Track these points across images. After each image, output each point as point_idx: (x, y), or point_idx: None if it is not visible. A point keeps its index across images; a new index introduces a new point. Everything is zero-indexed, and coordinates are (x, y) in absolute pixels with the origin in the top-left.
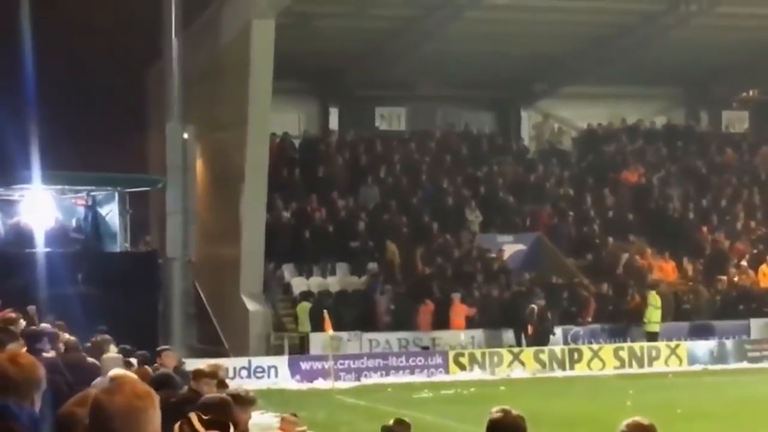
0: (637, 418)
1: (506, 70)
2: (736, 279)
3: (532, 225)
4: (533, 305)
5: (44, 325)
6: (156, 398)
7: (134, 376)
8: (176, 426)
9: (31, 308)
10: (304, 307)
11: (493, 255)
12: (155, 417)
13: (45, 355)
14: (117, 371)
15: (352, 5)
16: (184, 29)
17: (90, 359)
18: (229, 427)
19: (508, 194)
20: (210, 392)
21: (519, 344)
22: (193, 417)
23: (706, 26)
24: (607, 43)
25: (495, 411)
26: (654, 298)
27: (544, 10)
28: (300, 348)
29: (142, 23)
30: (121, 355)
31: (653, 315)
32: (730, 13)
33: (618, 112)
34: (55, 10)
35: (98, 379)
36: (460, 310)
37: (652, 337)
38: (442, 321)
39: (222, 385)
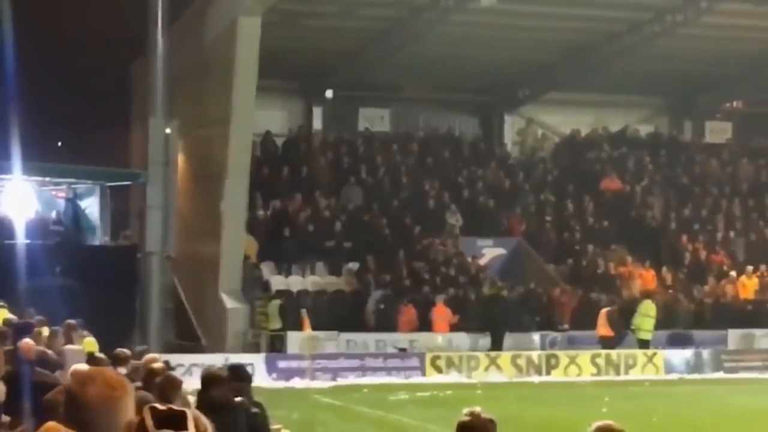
0: (609, 422)
1: (491, 74)
2: (715, 289)
3: (513, 230)
4: (608, 308)
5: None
6: (130, 388)
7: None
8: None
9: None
10: (274, 305)
11: (473, 259)
12: (129, 407)
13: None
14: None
15: (339, 5)
16: (170, 24)
17: (50, 352)
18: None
19: (489, 199)
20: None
21: (495, 348)
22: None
23: (692, 36)
24: (592, 50)
25: (465, 413)
26: (648, 307)
27: (530, 16)
28: (275, 346)
29: (127, 17)
30: (82, 347)
31: (646, 323)
32: (716, 23)
33: (602, 119)
34: (40, 2)
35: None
36: (443, 313)
37: (644, 345)
38: (422, 323)
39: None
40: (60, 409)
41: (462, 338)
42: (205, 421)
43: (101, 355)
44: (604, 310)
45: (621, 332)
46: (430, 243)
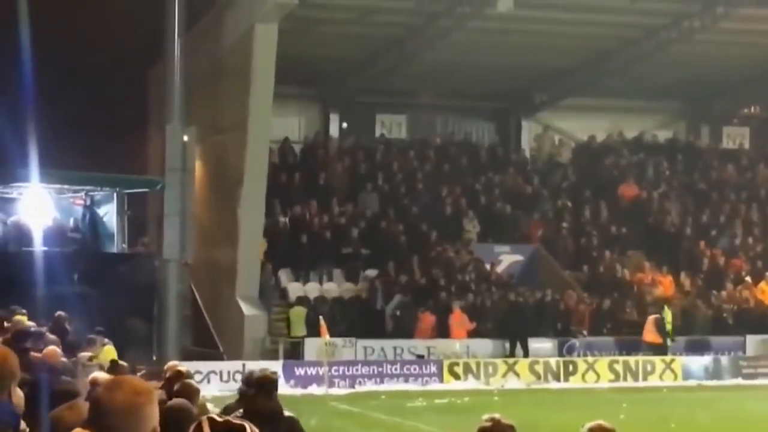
0: (600, 422)
1: (508, 80)
2: (733, 295)
3: (530, 236)
4: (656, 315)
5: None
6: (155, 395)
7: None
8: None
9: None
10: (298, 312)
11: (493, 266)
12: (154, 413)
13: (33, 354)
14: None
15: (355, 12)
16: (187, 31)
17: (64, 359)
18: None
19: (506, 205)
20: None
21: (513, 354)
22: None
23: (709, 42)
24: (609, 56)
25: (485, 419)
26: (665, 313)
27: (546, 22)
28: (294, 353)
29: (144, 23)
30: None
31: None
32: (733, 29)
33: (618, 125)
34: (57, 8)
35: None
36: (460, 320)
37: (662, 351)
38: (440, 330)
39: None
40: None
41: (480, 344)
42: None
43: (123, 363)
44: (652, 317)
45: (670, 339)
46: (447, 249)
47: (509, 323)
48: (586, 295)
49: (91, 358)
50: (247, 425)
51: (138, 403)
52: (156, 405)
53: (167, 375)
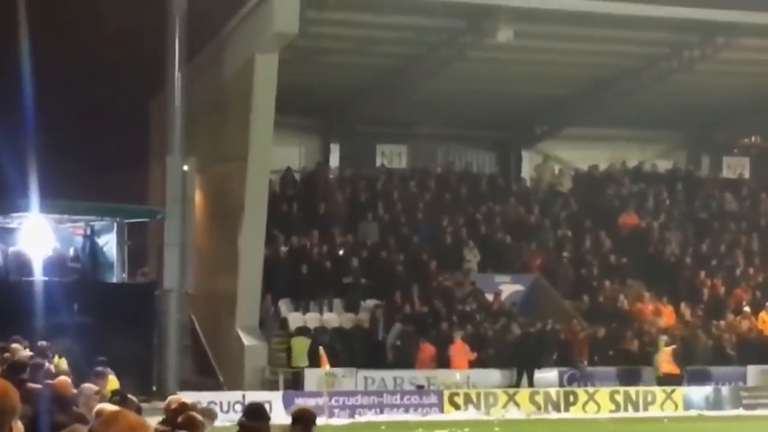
0: None
1: (508, 110)
2: (733, 325)
3: (530, 266)
4: (673, 345)
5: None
6: (150, 430)
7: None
8: None
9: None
10: (301, 342)
11: (493, 296)
12: None
13: (30, 385)
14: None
15: (356, 42)
16: (188, 62)
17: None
18: None
19: (506, 234)
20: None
21: (519, 384)
22: None
23: (709, 71)
24: (609, 85)
25: None
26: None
27: (546, 52)
28: (294, 383)
29: (145, 55)
30: (95, 387)
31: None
32: (733, 59)
33: (619, 154)
34: (58, 39)
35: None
36: (461, 350)
37: (665, 381)
38: (441, 360)
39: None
40: None
41: (480, 374)
42: None
43: (132, 397)
44: (668, 348)
45: (685, 369)
46: (447, 279)
47: (518, 353)
48: (586, 325)
49: (98, 392)
50: None
51: None
52: None
53: (173, 407)
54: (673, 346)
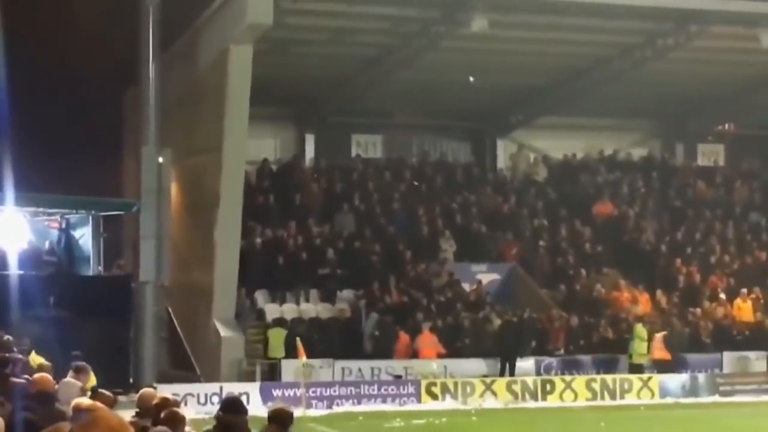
0: None
1: (483, 100)
2: (709, 312)
3: (507, 255)
4: (663, 332)
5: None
6: (130, 430)
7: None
8: None
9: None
10: (277, 334)
11: (470, 285)
12: None
13: (14, 380)
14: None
15: (330, 33)
16: (162, 53)
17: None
18: None
19: (482, 224)
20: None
21: (503, 374)
22: None
23: (682, 60)
24: (583, 74)
25: None
26: (640, 331)
27: (521, 41)
28: (272, 375)
29: (118, 46)
30: (79, 383)
31: (639, 347)
32: (706, 47)
33: (594, 143)
34: (31, 31)
35: (66, 409)
36: (430, 341)
37: (638, 369)
38: (424, 349)
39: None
40: None
41: (457, 364)
42: None
43: (106, 392)
44: (659, 335)
45: (677, 356)
46: (423, 269)
47: (500, 343)
48: (562, 314)
49: (82, 388)
50: None
51: None
52: None
53: (154, 402)
54: (664, 333)
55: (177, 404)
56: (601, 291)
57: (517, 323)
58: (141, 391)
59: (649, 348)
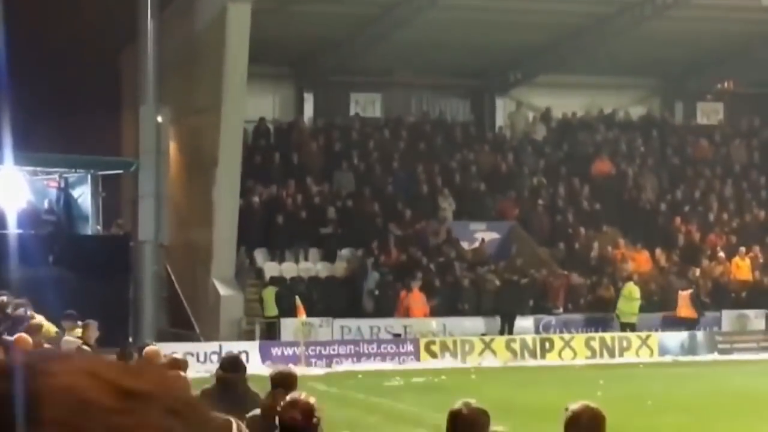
0: (586, 402)
1: (482, 58)
2: (708, 271)
3: (506, 214)
4: (689, 290)
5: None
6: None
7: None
8: None
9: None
10: (269, 292)
11: (469, 243)
12: None
13: (5, 337)
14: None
15: None
16: (160, 12)
17: (47, 344)
18: None
19: (481, 183)
20: None
21: (503, 332)
22: None
23: (682, 18)
24: (583, 32)
25: (458, 403)
26: (631, 290)
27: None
28: (270, 333)
29: (117, 5)
30: (80, 340)
31: (629, 307)
32: (706, 4)
33: (593, 102)
34: None
35: None
36: (418, 299)
37: (631, 328)
38: (414, 308)
39: None
40: None
41: (456, 323)
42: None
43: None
44: (685, 293)
45: (702, 314)
46: (422, 227)
47: (500, 302)
48: (562, 272)
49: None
50: (234, 422)
51: None
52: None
53: (162, 361)
54: (690, 291)
55: (185, 366)
56: (601, 249)
57: (516, 282)
58: (146, 349)
59: (676, 305)
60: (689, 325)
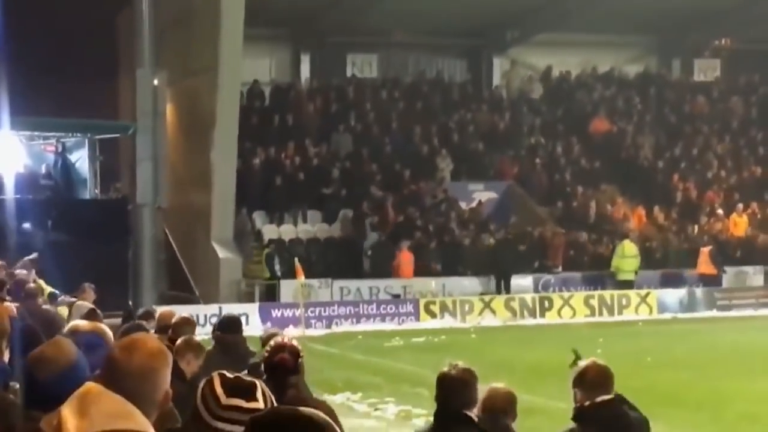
0: (594, 359)
1: (479, 17)
2: (707, 228)
3: (504, 173)
4: (709, 247)
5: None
6: (169, 357)
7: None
8: None
9: None
10: (266, 254)
11: (467, 203)
12: (167, 376)
13: (6, 303)
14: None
15: None
16: None
17: (47, 307)
18: None
19: (479, 142)
20: None
21: (499, 292)
22: None
23: None
24: None
25: (445, 366)
26: (627, 247)
27: None
28: (270, 295)
29: None
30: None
31: (625, 264)
32: None
33: (591, 60)
34: None
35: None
36: (407, 259)
37: (627, 285)
38: (417, 269)
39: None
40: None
41: (455, 282)
42: (269, 393)
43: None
44: (705, 249)
45: (724, 270)
46: (421, 188)
47: (495, 260)
48: (560, 230)
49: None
50: (258, 383)
51: (154, 367)
52: (170, 366)
53: (174, 321)
54: (710, 247)
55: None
56: (599, 207)
57: (511, 240)
58: (160, 311)
59: (698, 261)
60: (708, 281)
